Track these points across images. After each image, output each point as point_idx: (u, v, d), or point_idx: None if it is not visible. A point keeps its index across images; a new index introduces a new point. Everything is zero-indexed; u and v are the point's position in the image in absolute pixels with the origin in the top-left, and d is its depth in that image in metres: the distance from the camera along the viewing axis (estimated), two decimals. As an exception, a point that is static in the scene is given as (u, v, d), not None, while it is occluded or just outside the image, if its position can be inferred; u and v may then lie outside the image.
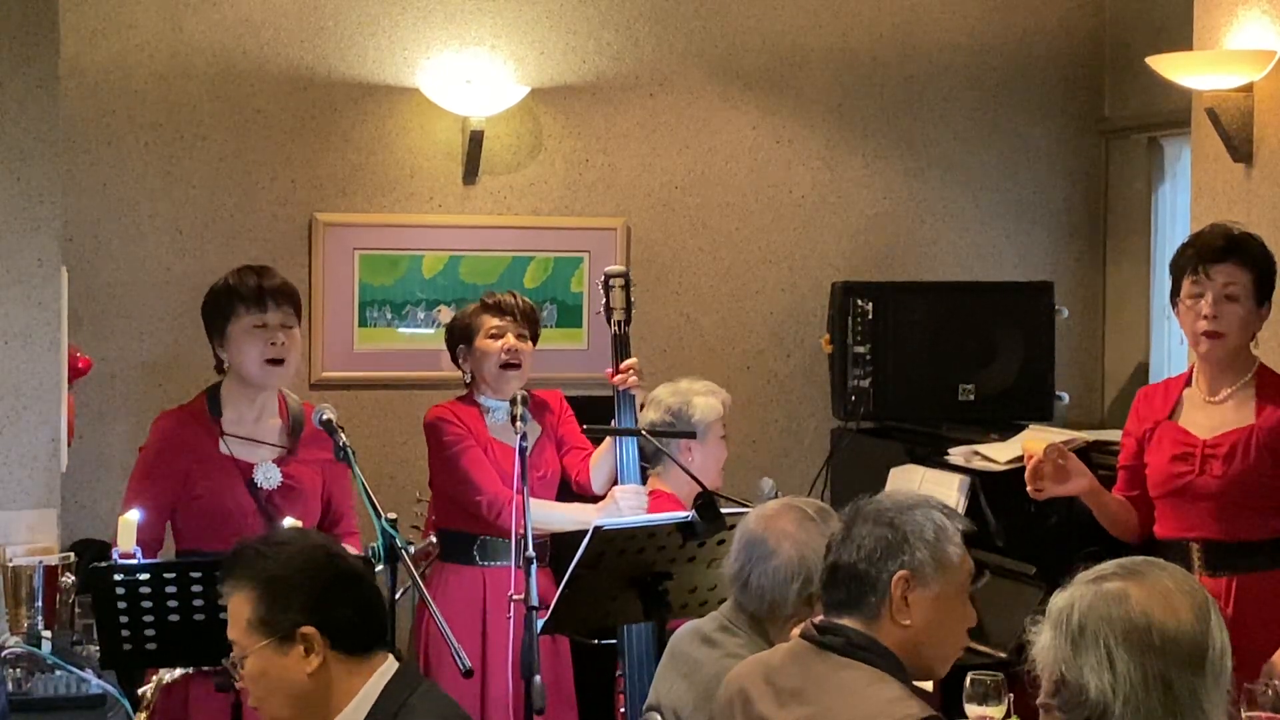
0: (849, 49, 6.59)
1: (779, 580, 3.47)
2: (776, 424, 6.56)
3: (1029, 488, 4.47)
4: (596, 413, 5.09)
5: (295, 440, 4.61)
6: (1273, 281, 4.36)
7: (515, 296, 5.01)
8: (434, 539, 4.96)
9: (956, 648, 3.10)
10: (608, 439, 4.91)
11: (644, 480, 4.98)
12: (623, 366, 4.92)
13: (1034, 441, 4.57)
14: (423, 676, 3.06)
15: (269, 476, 4.54)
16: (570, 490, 5.01)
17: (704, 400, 4.99)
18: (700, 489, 4.40)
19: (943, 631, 3.04)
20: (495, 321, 4.91)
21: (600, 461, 4.94)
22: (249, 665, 2.91)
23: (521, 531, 4.36)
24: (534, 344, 4.99)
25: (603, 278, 5.02)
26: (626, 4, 6.41)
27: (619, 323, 4.95)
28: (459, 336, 4.98)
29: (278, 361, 4.55)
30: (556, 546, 4.85)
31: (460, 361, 5.00)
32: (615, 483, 4.88)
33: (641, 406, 5.00)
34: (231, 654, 2.96)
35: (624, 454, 4.87)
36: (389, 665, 2.96)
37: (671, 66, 6.46)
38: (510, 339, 4.90)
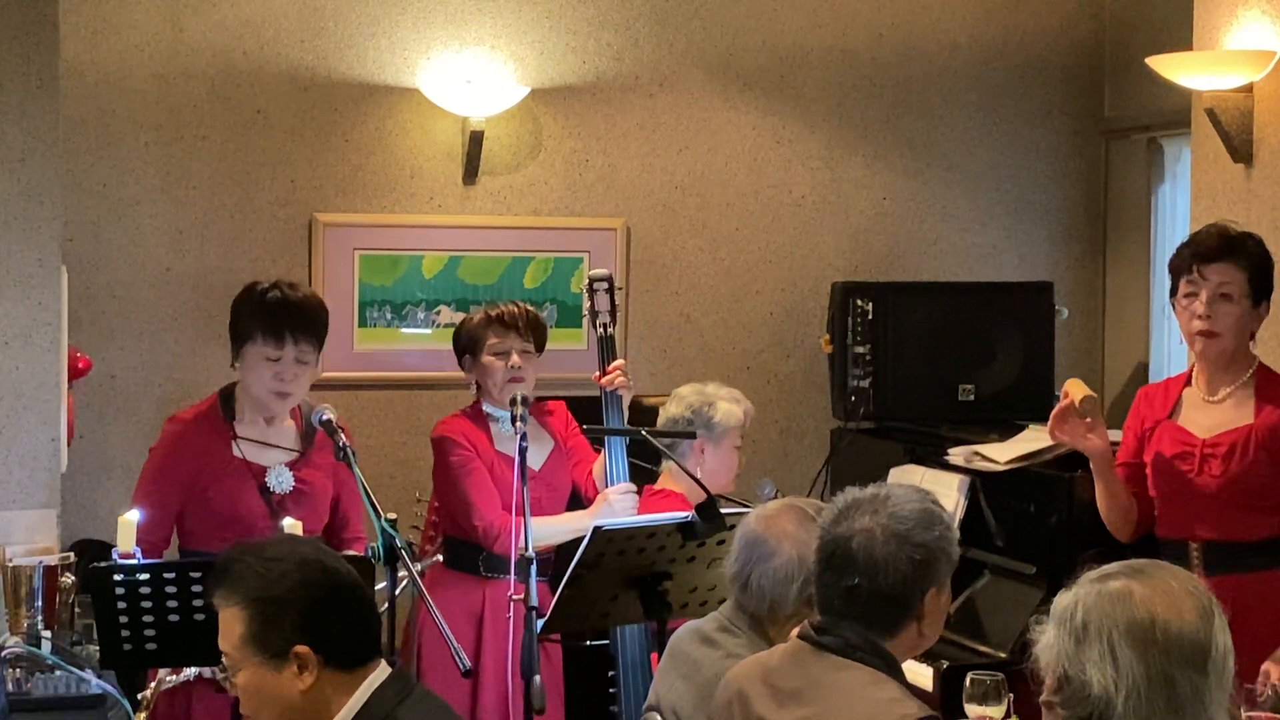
0: (849, 49, 6.59)
1: (779, 580, 3.47)
2: (776, 424, 6.56)
3: (1048, 426, 4.44)
4: (598, 413, 5.09)
5: (309, 444, 4.59)
6: (1270, 281, 4.35)
7: (519, 307, 4.98)
8: (439, 557, 4.96)
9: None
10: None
11: (654, 479, 5.00)
12: (610, 368, 4.93)
13: (1077, 385, 4.50)
14: (414, 683, 3.03)
15: (281, 480, 4.53)
16: (582, 502, 5.01)
17: (726, 405, 5.02)
18: (704, 494, 4.42)
19: (937, 626, 3.09)
20: (498, 339, 4.90)
21: (604, 469, 4.94)
22: (241, 679, 2.90)
23: (521, 541, 4.36)
24: (540, 351, 4.99)
25: (586, 282, 5.04)
26: (626, 4, 6.41)
27: (604, 325, 4.98)
28: (465, 347, 4.97)
29: (284, 395, 4.54)
30: (558, 561, 4.84)
31: (466, 370, 5.00)
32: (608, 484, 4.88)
33: (635, 407, 5.00)
34: (224, 663, 2.95)
35: (613, 454, 4.88)
36: (380, 672, 2.93)
37: (671, 66, 6.46)
38: (515, 357, 4.89)
